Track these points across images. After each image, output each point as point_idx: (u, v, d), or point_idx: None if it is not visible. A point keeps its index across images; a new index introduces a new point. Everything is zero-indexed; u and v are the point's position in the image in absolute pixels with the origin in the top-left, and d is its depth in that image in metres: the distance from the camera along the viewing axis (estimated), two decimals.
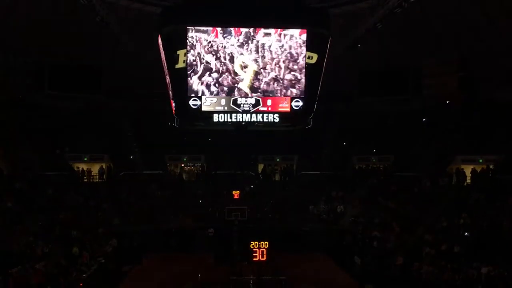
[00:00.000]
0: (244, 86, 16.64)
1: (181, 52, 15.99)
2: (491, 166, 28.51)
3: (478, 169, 29.22)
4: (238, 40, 16.10)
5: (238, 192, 29.04)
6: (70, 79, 29.21)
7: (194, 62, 16.10)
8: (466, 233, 22.45)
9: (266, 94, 16.75)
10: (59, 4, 22.90)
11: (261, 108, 16.77)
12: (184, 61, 16.04)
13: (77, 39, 25.75)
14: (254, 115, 16.80)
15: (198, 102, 16.54)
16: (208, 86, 16.46)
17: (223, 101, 16.63)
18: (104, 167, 32.88)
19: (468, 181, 28.59)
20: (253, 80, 16.58)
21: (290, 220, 28.85)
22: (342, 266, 23.98)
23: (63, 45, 26.42)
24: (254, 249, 19.16)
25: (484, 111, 30.99)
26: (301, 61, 16.48)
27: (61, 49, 26.92)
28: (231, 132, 22.83)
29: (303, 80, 16.71)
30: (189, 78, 16.23)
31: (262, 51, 16.30)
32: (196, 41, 15.88)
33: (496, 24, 23.78)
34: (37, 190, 27.76)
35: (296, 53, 16.39)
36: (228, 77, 16.49)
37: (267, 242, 19.15)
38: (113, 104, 33.86)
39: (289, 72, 16.68)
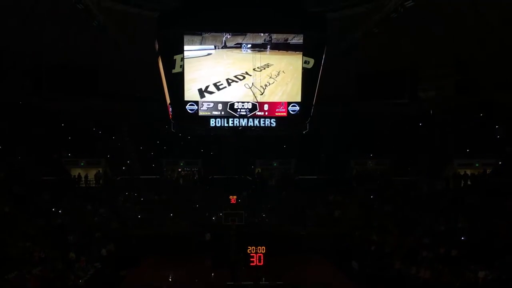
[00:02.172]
0: None
1: (177, 57, 16.04)
2: (488, 170, 28.58)
3: (475, 172, 29.34)
4: None
5: (235, 196, 28.96)
6: (67, 83, 29.12)
7: None
8: (463, 237, 22.48)
9: None
10: (57, 7, 22.86)
11: (258, 113, 16.81)
12: (180, 66, 16.09)
13: (75, 42, 25.76)
14: (251, 119, 16.84)
15: (195, 107, 16.59)
16: None
17: (220, 106, 16.66)
18: (101, 171, 32.82)
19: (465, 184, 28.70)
20: None
21: (288, 224, 28.81)
22: (340, 270, 23.94)
23: (61, 47, 26.40)
24: (251, 254, 19.10)
25: (481, 115, 31.10)
26: None
27: (59, 51, 26.88)
28: (228, 136, 22.89)
29: None
30: None
31: None
32: None
33: (494, 27, 23.86)
34: (34, 194, 27.68)
35: None
36: None
37: (264, 247, 19.10)
38: (111, 108, 33.81)
39: None
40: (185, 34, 15.62)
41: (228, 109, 16.51)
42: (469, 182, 28.63)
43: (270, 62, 16.33)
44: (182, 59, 15.76)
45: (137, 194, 31.21)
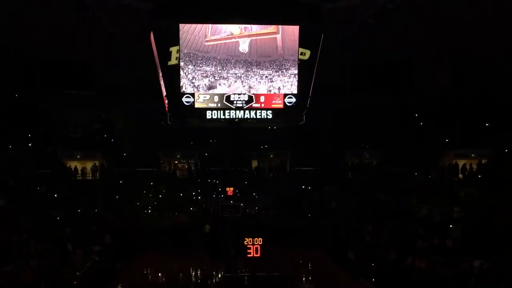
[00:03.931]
0: None
1: (173, 49, 15.97)
2: (483, 161, 28.69)
3: (470, 163, 29.47)
4: None
5: (232, 188, 29.04)
6: (62, 76, 28.97)
7: None
8: (458, 227, 22.62)
9: None
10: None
11: (254, 105, 16.77)
12: (176, 58, 16.02)
13: (70, 35, 25.57)
14: (247, 111, 16.80)
15: (191, 99, 16.55)
16: None
17: (216, 98, 16.61)
18: (97, 164, 32.76)
19: (460, 175, 28.82)
20: None
21: (284, 215, 28.91)
22: (336, 260, 24.05)
23: (55, 41, 26.21)
24: (248, 245, 19.16)
25: (477, 105, 31.17)
26: None
27: (53, 45, 26.70)
28: (224, 128, 22.81)
29: None
30: None
31: None
32: None
33: (489, 19, 23.84)
34: (30, 187, 27.62)
35: None
36: None
37: (261, 238, 19.16)
38: (106, 100, 33.64)
39: None
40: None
41: (224, 101, 16.46)
42: (460, 176, 28.76)
43: None
44: (178, 51, 15.67)
45: (134, 186, 31.20)
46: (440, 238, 21.60)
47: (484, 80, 29.12)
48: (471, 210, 23.43)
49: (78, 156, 33.71)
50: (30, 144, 31.05)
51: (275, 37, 16.83)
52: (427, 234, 22.71)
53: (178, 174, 34.79)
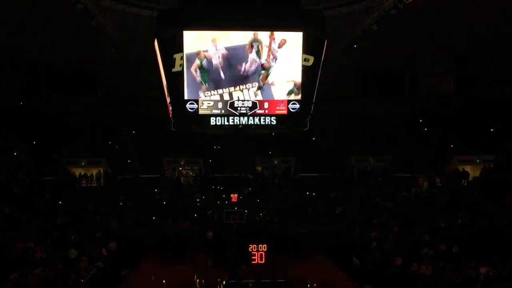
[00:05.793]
0: None
1: (177, 56, 15.92)
2: (491, 165, 28.60)
3: (476, 169, 29.36)
4: None
5: (236, 195, 29.07)
6: (66, 83, 29.13)
7: None
8: (464, 233, 22.49)
9: None
10: (56, 7, 22.83)
11: (258, 111, 16.69)
12: (180, 65, 15.97)
13: (74, 42, 25.76)
14: (251, 118, 16.73)
15: (195, 106, 16.48)
16: None
17: (220, 104, 16.57)
18: (101, 171, 32.84)
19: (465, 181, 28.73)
20: None
21: (289, 222, 28.85)
22: (341, 267, 23.99)
23: (60, 48, 26.40)
24: (253, 252, 19.10)
25: (481, 111, 31.08)
26: None
27: (58, 52, 26.89)
28: (228, 134, 22.79)
29: None
30: None
31: None
32: None
33: (491, 22, 23.83)
34: (35, 194, 27.68)
35: None
36: None
37: (265, 245, 19.09)
38: (110, 107, 33.78)
39: None
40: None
41: (228, 107, 16.42)
42: (464, 183, 28.68)
43: None
44: (182, 58, 15.67)
45: (138, 193, 31.23)
46: (445, 244, 21.49)
47: (489, 86, 29.07)
48: (477, 216, 23.31)
49: (83, 163, 33.82)
50: (34, 151, 31.10)
51: None
52: (433, 240, 22.62)
53: (182, 181, 34.83)
